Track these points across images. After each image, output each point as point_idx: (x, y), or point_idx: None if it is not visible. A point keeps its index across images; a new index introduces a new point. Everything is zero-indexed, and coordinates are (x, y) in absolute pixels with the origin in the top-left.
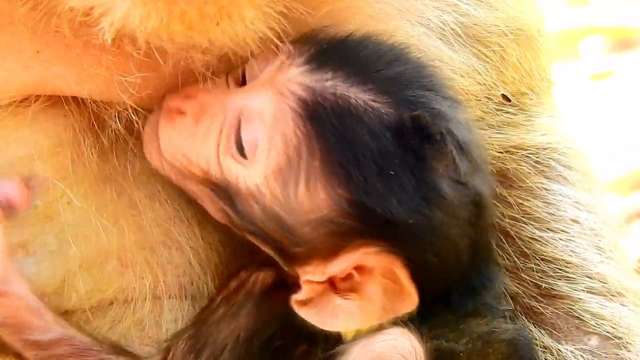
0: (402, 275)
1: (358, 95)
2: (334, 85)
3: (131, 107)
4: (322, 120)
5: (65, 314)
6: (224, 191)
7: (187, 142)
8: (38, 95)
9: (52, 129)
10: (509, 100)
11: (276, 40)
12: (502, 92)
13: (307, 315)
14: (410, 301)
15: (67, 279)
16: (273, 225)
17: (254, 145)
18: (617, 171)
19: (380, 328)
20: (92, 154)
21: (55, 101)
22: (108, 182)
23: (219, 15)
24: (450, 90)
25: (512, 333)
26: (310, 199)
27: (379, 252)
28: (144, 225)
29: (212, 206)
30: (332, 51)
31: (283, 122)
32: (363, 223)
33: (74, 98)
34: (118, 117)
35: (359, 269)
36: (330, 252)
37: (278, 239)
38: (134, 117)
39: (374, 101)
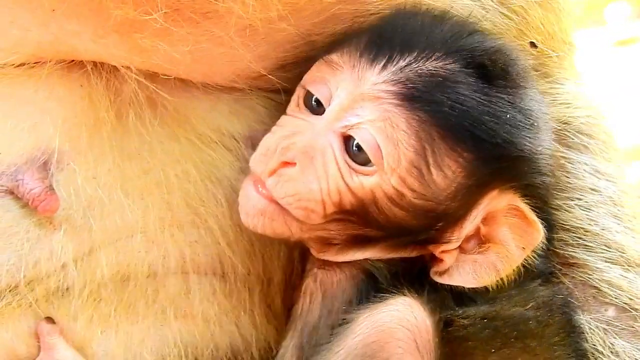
0: (523, 206)
1: (436, 65)
2: (412, 68)
3: (149, 72)
4: (423, 102)
5: (94, 287)
6: (360, 215)
7: (313, 187)
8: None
9: (67, 97)
10: (536, 47)
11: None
12: (530, 40)
13: (451, 281)
14: (537, 230)
15: (93, 253)
16: (417, 219)
17: (375, 148)
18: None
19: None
20: (110, 127)
21: (70, 66)
22: (134, 159)
23: None
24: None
25: (564, 298)
26: (444, 177)
27: (501, 192)
28: (172, 204)
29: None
30: (381, 41)
31: (395, 120)
32: (492, 171)
33: (90, 65)
34: (137, 87)
35: (483, 219)
36: (463, 215)
37: (417, 231)
38: (151, 85)
39: (450, 63)
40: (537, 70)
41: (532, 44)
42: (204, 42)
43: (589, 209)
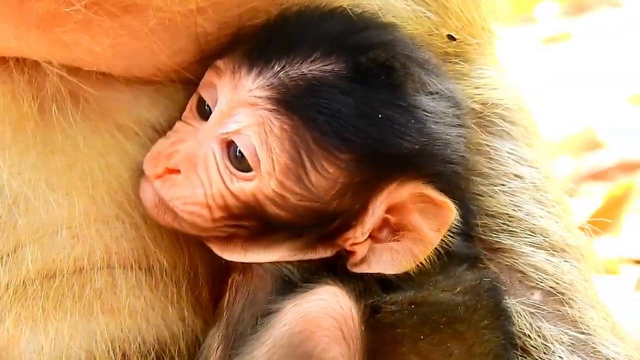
0: (429, 191)
1: (310, 68)
2: (286, 73)
3: (71, 66)
4: (297, 106)
5: (20, 284)
6: (249, 217)
7: (197, 192)
8: None
9: None
10: (455, 40)
11: None
12: (447, 33)
13: (370, 269)
14: (449, 209)
15: (19, 249)
16: (305, 219)
17: (253, 153)
18: (568, 131)
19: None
20: (33, 122)
21: None
22: (58, 154)
23: None
24: (377, 19)
25: (490, 282)
26: (324, 179)
27: (401, 184)
28: (96, 198)
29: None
30: (262, 45)
31: (268, 125)
32: (376, 169)
33: (13, 61)
34: (59, 81)
35: (389, 210)
36: (361, 209)
37: (313, 228)
38: (73, 80)
39: (326, 65)
40: (456, 56)
41: (450, 37)
42: (125, 36)
43: (513, 195)
